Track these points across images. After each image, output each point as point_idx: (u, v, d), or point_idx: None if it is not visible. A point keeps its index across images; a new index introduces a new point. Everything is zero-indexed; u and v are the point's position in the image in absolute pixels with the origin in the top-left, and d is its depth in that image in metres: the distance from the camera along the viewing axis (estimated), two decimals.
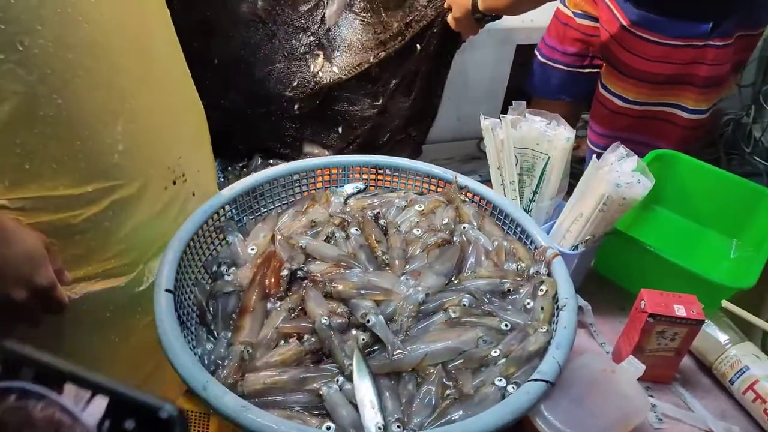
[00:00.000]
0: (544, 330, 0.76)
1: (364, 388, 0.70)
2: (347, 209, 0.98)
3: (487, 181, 1.07)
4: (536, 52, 1.61)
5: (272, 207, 0.99)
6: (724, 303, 0.92)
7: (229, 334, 0.77)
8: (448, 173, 1.01)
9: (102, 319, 0.77)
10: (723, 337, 0.91)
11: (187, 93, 0.93)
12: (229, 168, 1.49)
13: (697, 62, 1.25)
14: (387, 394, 0.70)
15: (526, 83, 1.67)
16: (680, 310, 0.84)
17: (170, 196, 0.84)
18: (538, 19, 1.65)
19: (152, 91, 0.79)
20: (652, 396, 0.89)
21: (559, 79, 1.56)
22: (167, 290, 0.74)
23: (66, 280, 0.70)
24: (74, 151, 0.68)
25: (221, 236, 0.90)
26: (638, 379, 0.78)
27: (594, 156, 0.97)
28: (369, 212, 0.96)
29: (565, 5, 1.49)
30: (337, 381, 0.72)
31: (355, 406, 0.69)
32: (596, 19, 1.39)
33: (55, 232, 0.70)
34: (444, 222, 0.94)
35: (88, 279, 0.76)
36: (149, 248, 0.83)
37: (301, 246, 0.88)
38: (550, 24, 1.56)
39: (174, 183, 0.84)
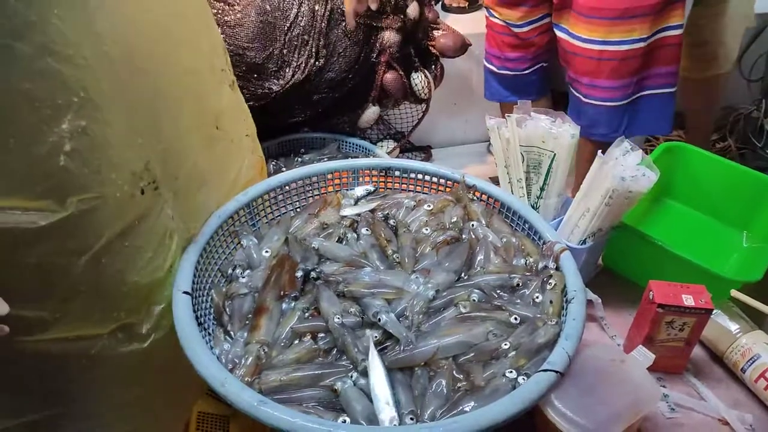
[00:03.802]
0: (554, 323, 0.78)
1: (378, 383, 0.71)
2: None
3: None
4: (484, 61, 1.63)
5: (285, 211, 1.01)
6: (734, 292, 0.93)
7: (245, 334, 0.79)
8: (456, 173, 1.03)
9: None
10: (733, 326, 0.91)
11: (174, 85, 0.79)
12: None
13: None
14: (400, 387, 0.72)
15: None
16: (688, 300, 0.85)
17: (145, 207, 0.74)
18: None
19: (115, 80, 0.67)
20: (664, 386, 0.90)
21: (508, 84, 1.59)
22: (185, 292, 0.76)
23: None
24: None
25: (236, 240, 0.93)
26: (650, 370, 0.79)
27: (599, 151, 0.98)
28: (379, 213, 0.99)
29: (492, 15, 1.50)
30: (351, 376, 0.74)
31: (370, 400, 0.71)
32: (529, 23, 1.43)
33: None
34: (453, 220, 0.96)
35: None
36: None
37: (314, 247, 0.90)
38: (487, 34, 1.58)
39: (142, 192, 0.73)
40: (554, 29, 1.37)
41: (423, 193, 1.06)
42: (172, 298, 0.76)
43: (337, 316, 0.78)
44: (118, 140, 0.68)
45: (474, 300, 0.82)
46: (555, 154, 1.03)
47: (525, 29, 1.45)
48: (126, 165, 0.70)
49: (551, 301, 0.81)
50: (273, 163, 1.57)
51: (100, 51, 0.64)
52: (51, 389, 0.75)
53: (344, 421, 0.69)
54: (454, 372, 0.74)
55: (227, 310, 0.83)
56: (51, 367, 0.73)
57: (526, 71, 1.54)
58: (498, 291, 0.85)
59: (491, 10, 1.50)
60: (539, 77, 1.55)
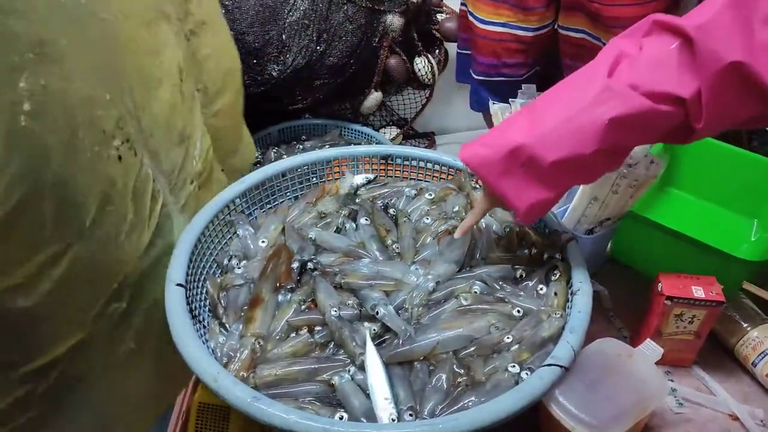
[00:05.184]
0: (558, 315, 0.75)
1: (376, 378, 0.69)
2: (357, 200, 0.98)
3: None
4: (471, 73, 1.55)
5: (282, 200, 0.99)
6: (745, 284, 0.90)
7: (241, 326, 0.77)
8: (458, 160, 1.00)
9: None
10: (744, 319, 0.89)
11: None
12: None
13: None
14: (399, 383, 0.70)
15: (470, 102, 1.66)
16: (698, 292, 0.82)
17: (122, 167, 0.68)
18: None
19: (74, 33, 0.62)
20: (672, 380, 0.87)
21: (500, 91, 1.52)
22: (178, 284, 0.74)
23: None
24: None
25: (232, 230, 0.90)
26: (658, 364, 0.76)
27: None
28: (379, 202, 0.96)
29: (485, 22, 1.43)
30: (349, 371, 0.72)
31: (367, 396, 0.69)
32: (543, 26, 1.39)
33: None
34: (455, 209, 0.93)
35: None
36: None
37: (311, 237, 0.88)
38: (476, 44, 1.49)
39: (118, 153, 0.67)
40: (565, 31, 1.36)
41: (424, 181, 1.03)
42: (165, 289, 0.74)
43: (334, 308, 0.76)
44: (84, 97, 0.63)
45: (475, 292, 0.80)
46: None
47: (536, 33, 1.41)
48: (96, 123, 0.65)
49: (556, 293, 0.79)
50: (274, 150, 1.56)
51: (54, 2, 0.60)
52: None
53: (341, 417, 0.67)
54: (455, 366, 0.72)
55: (222, 301, 0.81)
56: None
57: (523, 77, 1.50)
58: (500, 282, 0.82)
59: (483, 17, 1.43)
60: (532, 83, 1.52)
